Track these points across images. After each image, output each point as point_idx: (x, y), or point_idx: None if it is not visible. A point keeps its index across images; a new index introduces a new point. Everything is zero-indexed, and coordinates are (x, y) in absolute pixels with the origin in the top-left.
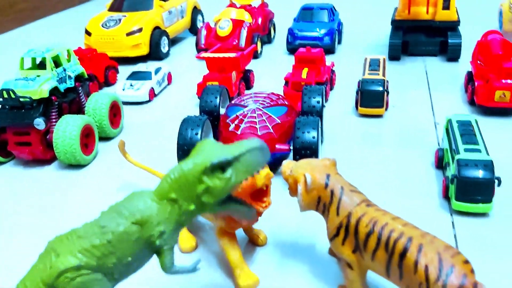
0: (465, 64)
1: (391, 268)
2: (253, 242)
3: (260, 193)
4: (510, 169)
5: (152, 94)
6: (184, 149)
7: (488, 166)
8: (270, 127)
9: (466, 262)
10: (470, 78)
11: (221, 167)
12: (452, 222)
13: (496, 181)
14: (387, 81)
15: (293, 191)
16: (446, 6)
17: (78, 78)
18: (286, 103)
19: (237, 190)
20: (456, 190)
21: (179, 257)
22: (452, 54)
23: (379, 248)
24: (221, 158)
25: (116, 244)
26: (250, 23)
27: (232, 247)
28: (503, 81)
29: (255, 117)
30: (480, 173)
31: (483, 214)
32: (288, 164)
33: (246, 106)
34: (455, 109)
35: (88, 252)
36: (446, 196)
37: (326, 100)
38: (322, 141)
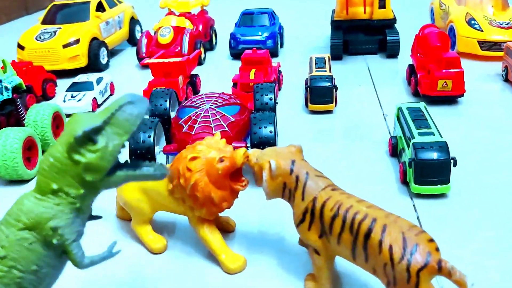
0: (404, 59)
1: (357, 250)
2: (223, 230)
3: (237, 173)
4: (462, 152)
5: (95, 105)
6: (137, 153)
7: (443, 147)
8: (225, 126)
9: (431, 240)
10: (412, 70)
11: (89, 138)
12: (414, 206)
13: (452, 162)
14: (334, 78)
15: (258, 179)
16: (382, 5)
17: (16, 89)
18: (238, 102)
19: (217, 172)
20: (415, 174)
21: (151, 259)
22: (391, 50)
23: (344, 231)
24: (85, 128)
25: (13, 256)
26: (191, 29)
27: (212, 234)
28: (444, 70)
29: (209, 116)
30: (436, 155)
31: (442, 195)
32: (254, 153)
33: (198, 107)
34: (401, 101)
35: None
36: (404, 182)
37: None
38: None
